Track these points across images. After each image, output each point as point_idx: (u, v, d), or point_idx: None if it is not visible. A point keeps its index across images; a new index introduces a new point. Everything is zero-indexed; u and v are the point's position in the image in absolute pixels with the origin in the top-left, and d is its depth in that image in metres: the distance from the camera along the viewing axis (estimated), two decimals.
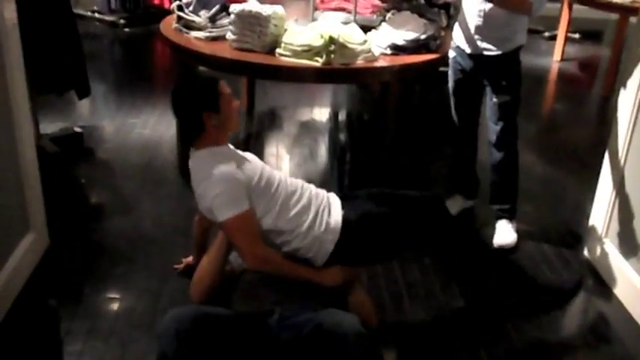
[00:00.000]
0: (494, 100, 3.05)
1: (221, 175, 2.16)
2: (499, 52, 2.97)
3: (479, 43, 2.99)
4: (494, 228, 3.25)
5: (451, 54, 3.19)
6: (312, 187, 2.41)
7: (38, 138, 3.70)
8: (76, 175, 3.69)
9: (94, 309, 2.61)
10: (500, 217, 3.26)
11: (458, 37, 3.11)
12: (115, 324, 2.53)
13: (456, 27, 3.13)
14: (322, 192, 2.42)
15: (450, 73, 3.23)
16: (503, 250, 3.15)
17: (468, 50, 3.04)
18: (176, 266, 2.80)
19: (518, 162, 3.21)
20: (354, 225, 2.31)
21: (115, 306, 2.63)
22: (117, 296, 2.69)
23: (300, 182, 2.38)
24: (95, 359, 2.33)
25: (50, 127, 4.13)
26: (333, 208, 2.34)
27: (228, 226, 2.17)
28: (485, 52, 2.99)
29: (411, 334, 2.57)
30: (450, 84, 3.24)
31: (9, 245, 2.65)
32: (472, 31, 2.99)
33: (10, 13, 2.57)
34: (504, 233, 3.21)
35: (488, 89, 3.08)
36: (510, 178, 3.23)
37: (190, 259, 2.73)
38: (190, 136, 2.30)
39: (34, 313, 2.56)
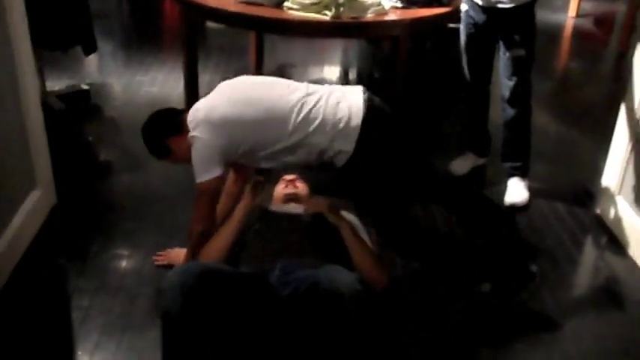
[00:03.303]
0: (508, 54, 2.97)
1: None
2: (513, 5, 2.88)
3: None
4: (506, 186, 3.20)
5: (463, 7, 3.10)
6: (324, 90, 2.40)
7: (44, 95, 3.67)
8: (83, 132, 3.66)
9: (102, 266, 2.60)
10: (512, 175, 3.21)
11: None
12: (123, 280, 2.52)
13: None
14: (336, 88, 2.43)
15: (462, 27, 3.15)
16: (514, 209, 3.11)
17: (481, 3, 2.96)
18: (156, 259, 2.61)
19: (531, 119, 3.15)
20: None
21: (123, 263, 2.63)
22: (125, 253, 2.68)
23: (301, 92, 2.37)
24: (103, 314, 2.33)
25: (57, 84, 4.10)
26: (351, 102, 2.34)
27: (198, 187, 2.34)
28: (499, 5, 2.90)
29: (422, 298, 2.55)
30: (462, 39, 3.16)
31: (15, 202, 2.63)
32: None
33: None
34: (516, 191, 3.16)
35: (501, 44, 3.00)
36: (523, 135, 3.17)
37: (174, 252, 2.59)
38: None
39: (42, 270, 2.56)
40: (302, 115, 2.27)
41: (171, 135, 2.43)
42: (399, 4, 3.22)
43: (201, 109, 2.36)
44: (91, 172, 3.27)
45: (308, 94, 2.33)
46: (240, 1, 3.19)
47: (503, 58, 3.02)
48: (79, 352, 2.17)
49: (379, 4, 3.14)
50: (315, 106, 2.29)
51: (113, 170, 3.31)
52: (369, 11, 3.09)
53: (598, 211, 3.10)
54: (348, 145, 2.28)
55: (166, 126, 2.46)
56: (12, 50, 2.56)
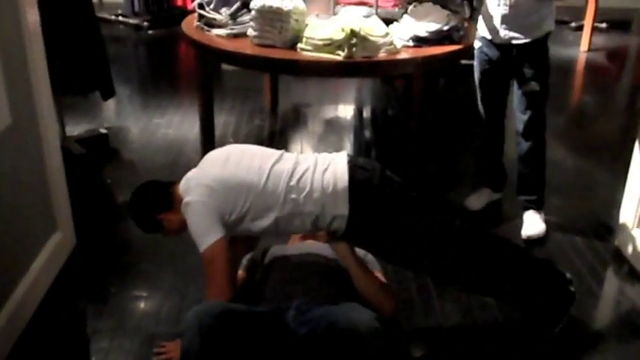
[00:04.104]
0: (522, 89, 3.00)
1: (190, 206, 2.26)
2: (527, 40, 2.91)
3: (506, 32, 2.94)
4: (522, 220, 3.19)
5: (477, 44, 3.14)
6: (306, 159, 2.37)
7: (64, 140, 3.73)
8: (101, 175, 3.71)
9: (121, 307, 2.61)
10: (528, 208, 3.21)
11: (483, 28, 3.06)
12: (141, 322, 2.53)
13: (481, 17, 3.08)
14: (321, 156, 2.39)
15: (476, 64, 3.18)
16: (532, 242, 3.09)
17: (496, 40, 2.99)
18: (157, 357, 2.31)
19: (546, 152, 3.16)
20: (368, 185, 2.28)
21: (142, 304, 2.64)
22: (143, 294, 2.69)
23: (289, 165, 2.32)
24: (122, 357, 2.33)
25: (76, 128, 4.17)
26: (336, 166, 2.30)
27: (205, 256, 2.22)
28: (514, 41, 2.93)
29: (439, 328, 2.54)
30: (476, 75, 3.19)
31: (36, 245, 2.67)
32: (499, 20, 2.93)
33: (33, 16, 2.59)
34: (532, 224, 3.16)
35: (515, 78, 3.03)
36: (538, 169, 3.18)
37: (174, 344, 2.26)
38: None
39: (62, 312, 2.58)
40: (292, 184, 2.24)
41: (162, 211, 2.38)
42: (411, 43, 3.27)
43: (192, 177, 2.33)
44: (109, 215, 3.31)
45: (297, 163, 2.31)
46: (255, 44, 3.25)
47: (517, 93, 3.04)
48: None
49: (391, 44, 3.18)
50: (303, 175, 2.26)
51: None
52: (382, 50, 3.14)
53: (617, 243, 3.08)
54: (341, 209, 2.23)
55: (155, 202, 2.41)
56: (33, 96, 2.62)
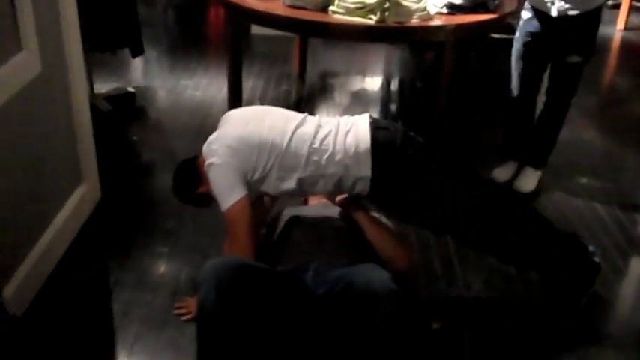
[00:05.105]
0: (566, 60, 2.98)
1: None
2: (581, 12, 2.88)
3: (562, 3, 2.89)
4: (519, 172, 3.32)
5: (525, 15, 3.09)
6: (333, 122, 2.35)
7: (92, 97, 3.74)
8: (128, 133, 3.72)
9: (143, 262, 2.63)
10: (528, 164, 3.29)
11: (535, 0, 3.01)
12: (163, 277, 2.55)
13: None
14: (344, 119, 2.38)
15: (518, 36, 3.13)
16: (561, 219, 3.05)
17: (551, 12, 2.92)
18: (178, 312, 2.35)
19: (565, 117, 3.20)
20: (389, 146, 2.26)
21: (164, 260, 2.65)
22: (165, 250, 2.71)
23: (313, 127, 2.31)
24: (143, 309, 2.35)
25: (104, 86, 4.18)
26: (359, 128, 2.29)
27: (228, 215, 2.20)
28: (569, 12, 2.89)
29: (460, 297, 2.53)
30: (517, 48, 3.15)
31: (62, 196, 2.68)
32: None
33: None
34: (526, 180, 3.28)
35: (558, 49, 3.00)
36: (553, 131, 3.24)
37: (192, 304, 2.28)
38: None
39: (85, 263, 2.60)
40: (314, 146, 2.23)
41: (196, 186, 2.38)
42: (445, 10, 3.21)
43: (213, 140, 2.30)
44: (134, 171, 3.32)
45: (320, 126, 2.29)
46: (287, 5, 3.22)
47: (556, 64, 3.04)
48: (119, 344, 2.20)
49: (424, 10, 3.13)
50: (326, 138, 2.24)
51: (156, 170, 3.35)
52: (415, 16, 3.09)
53: None
54: (364, 170, 2.22)
55: (187, 180, 2.41)
56: (63, 48, 2.62)
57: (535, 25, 3.02)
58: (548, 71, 3.13)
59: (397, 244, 2.36)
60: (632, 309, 2.55)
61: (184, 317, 2.30)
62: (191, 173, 2.39)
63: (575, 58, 2.95)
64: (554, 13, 2.92)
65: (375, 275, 1.91)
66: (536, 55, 3.09)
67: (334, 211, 2.43)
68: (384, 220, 2.47)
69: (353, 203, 2.35)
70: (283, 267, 2.18)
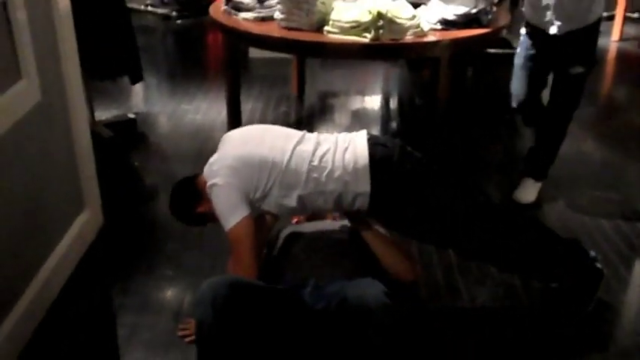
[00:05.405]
0: (569, 71, 2.99)
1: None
2: (579, 27, 2.90)
3: (559, 22, 2.91)
4: (519, 183, 3.31)
5: (524, 30, 3.12)
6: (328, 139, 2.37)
7: (93, 124, 3.78)
8: (129, 159, 3.75)
9: (147, 285, 2.64)
10: (529, 175, 3.29)
11: (532, 17, 3.02)
12: (167, 300, 2.56)
13: (528, 5, 3.04)
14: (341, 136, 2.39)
15: (519, 51, 3.16)
16: (562, 229, 3.05)
17: (552, 32, 2.94)
18: (183, 333, 2.35)
19: (567, 129, 3.20)
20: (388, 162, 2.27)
21: (167, 283, 2.66)
22: (169, 273, 2.72)
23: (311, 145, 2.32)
24: (147, 331, 2.36)
25: (105, 113, 4.22)
26: (356, 145, 2.30)
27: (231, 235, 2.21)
28: (567, 28, 2.91)
29: (464, 310, 2.53)
30: (519, 62, 3.16)
31: (64, 223, 2.70)
32: (549, 9, 2.91)
33: (64, 1, 2.63)
34: (526, 191, 3.27)
35: (560, 63, 3.02)
36: (554, 143, 3.23)
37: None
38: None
39: (88, 289, 2.61)
40: (314, 164, 2.24)
41: (195, 203, 2.38)
42: (439, 26, 3.24)
43: (214, 161, 2.32)
44: (136, 196, 3.35)
45: (318, 144, 2.31)
46: (282, 26, 3.26)
47: (559, 76, 3.06)
48: None
49: (418, 27, 3.16)
50: (324, 155, 2.26)
51: (158, 194, 3.36)
52: (409, 33, 3.12)
53: None
54: (363, 186, 2.23)
55: (185, 198, 2.42)
56: (62, 76, 2.65)
57: (535, 42, 3.05)
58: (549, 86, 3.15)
59: (403, 259, 2.36)
60: (635, 316, 2.55)
61: (188, 339, 2.30)
62: (190, 191, 2.41)
63: (577, 69, 2.97)
64: (553, 31, 2.94)
65: (369, 290, 1.92)
66: (538, 67, 3.10)
67: (333, 226, 2.45)
68: (388, 234, 2.48)
69: (359, 218, 2.35)
70: (282, 283, 2.19)
